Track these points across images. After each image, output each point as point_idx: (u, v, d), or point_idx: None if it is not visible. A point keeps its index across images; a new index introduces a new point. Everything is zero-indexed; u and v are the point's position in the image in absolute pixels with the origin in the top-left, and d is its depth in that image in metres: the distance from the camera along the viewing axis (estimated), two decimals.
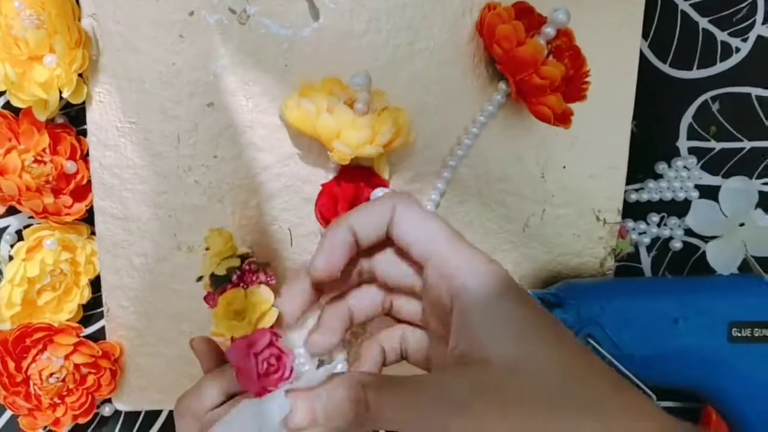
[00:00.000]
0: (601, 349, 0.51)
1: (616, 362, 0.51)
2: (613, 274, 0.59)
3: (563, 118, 0.49)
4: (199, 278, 0.49)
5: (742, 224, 0.57)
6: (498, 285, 0.36)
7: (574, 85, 0.50)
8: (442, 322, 0.38)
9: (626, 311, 0.52)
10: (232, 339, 0.44)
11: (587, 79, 0.51)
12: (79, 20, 0.49)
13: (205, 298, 0.47)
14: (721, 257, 0.58)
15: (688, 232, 0.59)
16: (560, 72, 0.47)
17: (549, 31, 0.48)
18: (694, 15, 0.57)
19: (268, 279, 0.48)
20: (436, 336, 0.41)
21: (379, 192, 0.49)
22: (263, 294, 0.46)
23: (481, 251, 0.38)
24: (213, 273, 0.47)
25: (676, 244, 0.60)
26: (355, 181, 0.51)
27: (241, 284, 0.46)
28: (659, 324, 0.52)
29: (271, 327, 0.44)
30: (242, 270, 0.47)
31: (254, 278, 0.47)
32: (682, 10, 0.57)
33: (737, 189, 0.57)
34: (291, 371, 0.43)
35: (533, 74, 0.47)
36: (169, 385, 0.56)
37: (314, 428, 0.35)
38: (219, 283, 0.47)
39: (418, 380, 0.36)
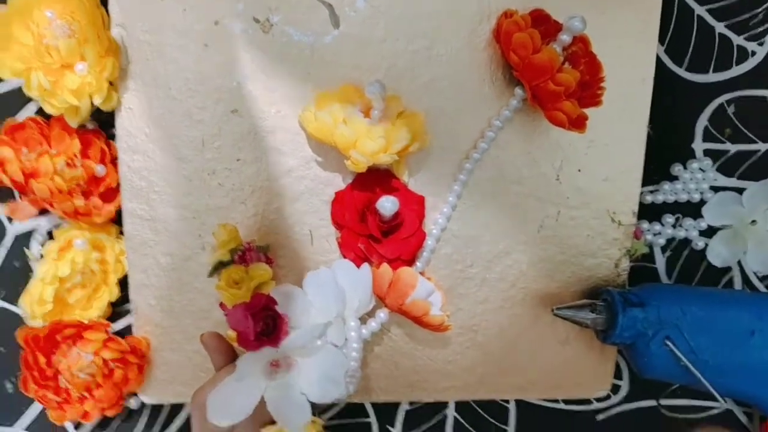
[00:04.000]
0: (677, 352, 0.52)
1: (691, 366, 0.52)
2: (628, 275, 0.59)
3: (578, 123, 0.50)
4: (211, 273, 0.52)
5: (754, 221, 0.58)
6: None
7: (589, 91, 0.51)
8: None
9: (706, 318, 0.53)
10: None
11: (603, 85, 0.51)
12: (109, 29, 0.51)
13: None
14: (724, 250, 0.59)
15: (703, 233, 0.60)
16: (575, 79, 0.48)
17: (565, 38, 0.49)
18: (710, 20, 0.57)
19: (268, 259, 0.53)
20: None
21: (385, 201, 0.50)
22: (262, 268, 0.51)
23: None
24: (220, 261, 0.50)
25: (699, 243, 0.60)
26: (370, 185, 0.53)
27: (243, 263, 0.51)
28: (736, 335, 0.52)
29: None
30: (243, 251, 0.52)
31: (254, 257, 0.52)
32: (698, 15, 0.57)
33: (763, 188, 0.57)
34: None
35: (549, 81, 0.48)
36: (192, 379, 0.57)
37: None
38: (224, 267, 0.52)
39: None
